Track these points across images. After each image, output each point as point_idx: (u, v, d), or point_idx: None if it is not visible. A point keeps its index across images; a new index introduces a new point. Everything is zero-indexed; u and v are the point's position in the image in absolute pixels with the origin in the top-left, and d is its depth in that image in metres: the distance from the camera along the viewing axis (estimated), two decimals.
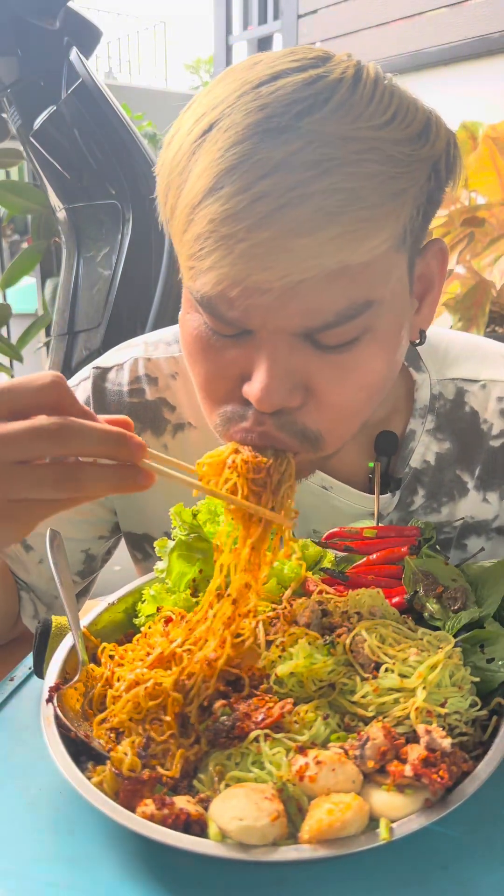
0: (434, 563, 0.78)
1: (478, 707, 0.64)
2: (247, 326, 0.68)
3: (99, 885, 0.55)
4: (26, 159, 3.21)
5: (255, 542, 0.70)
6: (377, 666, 0.65)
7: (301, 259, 0.63)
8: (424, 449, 0.94)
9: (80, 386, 1.01)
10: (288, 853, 0.52)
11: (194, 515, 0.81)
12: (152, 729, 0.62)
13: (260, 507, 0.69)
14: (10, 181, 4.05)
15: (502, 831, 0.60)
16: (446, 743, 0.57)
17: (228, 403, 0.73)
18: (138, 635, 0.75)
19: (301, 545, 0.82)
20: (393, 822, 0.54)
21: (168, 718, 0.62)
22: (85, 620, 0.77)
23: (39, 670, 0.75)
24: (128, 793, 0.57)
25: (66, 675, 0.69)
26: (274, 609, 0.74)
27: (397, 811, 0.55)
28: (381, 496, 0.92)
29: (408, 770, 0.56)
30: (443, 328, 1.02)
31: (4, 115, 3.09)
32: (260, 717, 0.61)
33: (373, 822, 0.55)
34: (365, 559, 0.81)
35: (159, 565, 0.82)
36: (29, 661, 0.82)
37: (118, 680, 0.67)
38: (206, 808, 0.56)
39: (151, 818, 0.54)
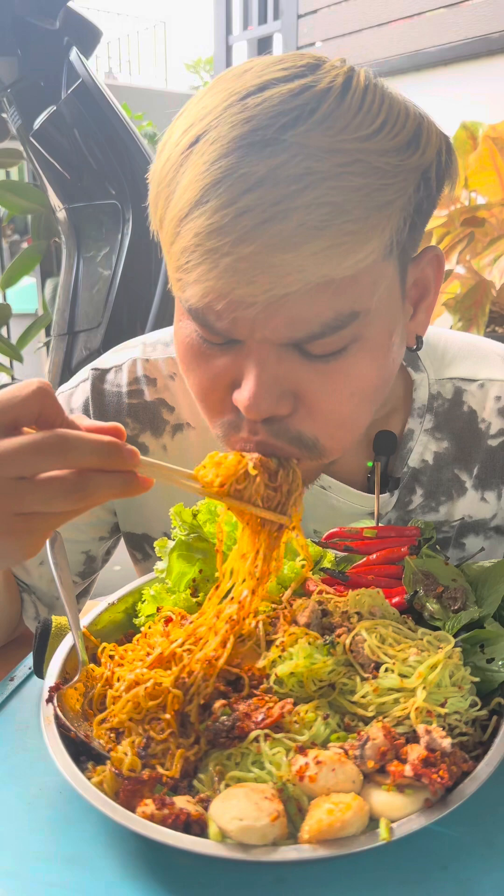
0: (434, 563, 0.78)
1: (478, 707, 0.64)
2: (234, 337, 0.69)
3: (99, 884, 0.55)
4: (26, 159, 3.22)
5: (266, 552, 0.70)
6: (377, 666, 0.65)
7: (285, 273, 0.63)
8: (423, 448, 0.94)
9: (79, 388, 1.01)
10: (288, 853, 0.52)
11: (194, 515, 0.81)
12: (152, 729, 0.62)
13: (260, 508, 0.69)
14: (10, 181, 4.05)
15: (502, 831, 0.60)
16: (446, 743, 0.57)
17: (224, 413, 0.74)
18: (138, 635, 0.75)
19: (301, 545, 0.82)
20: (393, 822, 0.54)
21: (168, 717, 0.62)
22: (85, 620, 0.77)
23: (39, 670, 0.75)
24: (128, 793, 0.57)
25: (66, 675, 0.69)
26: (274, 609, 0.74)
27: (397, 811, 0.55)
28: (379, 495, 0.92)
29: (408, 770, 0.56)
30: (441, 328, 1.02)
31: (4, 115, 3.09)
32: (260, 717, 0.61)
33: (373, 822, 0.55)
34: (365, 559, 0.81)
35: (159, 565, 0.82)
36: (29, 661, 0.82)
37: (118, 680, 0.67)
38: (206, 808, 0.56)
39: (151, 818, 0.54)
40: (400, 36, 3.93)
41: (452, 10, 3.71)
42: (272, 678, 0.65)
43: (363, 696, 0.63)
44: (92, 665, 0.70)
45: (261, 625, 0.71)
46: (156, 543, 0.83)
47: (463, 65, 3.72)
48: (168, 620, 0.74)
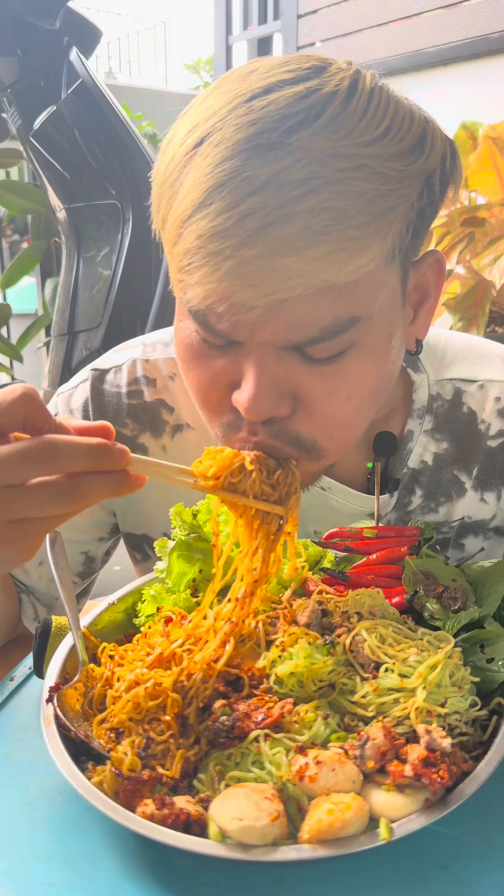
0: (434, 563, 0.78)
1: (478, 707, 0.64)
2: (234, 339, 0.69)
3: (99, 884, 0.55)
4: (26, 159, 3.22)
5: (265, 553, 0.70)
6: (377, 666, 0.65)
7: (286, 278, 0.63)
8: (422, 449, 0.94)
9: (79, 388, 1.01)
10: (288, 853, 0.52)
11: (194, 515, 0.81)
12: (152, 729, 0.62)
13: (254, 500, 0.69)
14: (10, 181, 4.05)
15: (502, 831, 0.60)
16: (446, 743, 0.57)
17: (224, 414, 0.74)
18: (138, 635, 0.75)
19: (301, 545, 0.82)
20: (393, 822, 0.54)
21: (168, 718, 0.62)
22: (85, 620, 0.77)
23: (39, 670, 0.75)
24: (128, 793, 0.57)
25: (66, 675, 0.69)
26: (274, 609, 0.74)
27: (397, 811, 0.55)
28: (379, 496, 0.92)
29: (408, 770, 0.56)
30: (440, 328, 1.02)
31: (4, 115, 3.10)
32: (260, 717, 0.61)
33: (373, 822, 0.55)
34: (365, 559, 0.81)
35: (159, 565, 0.82)
36: (29, 661, 0.82)
37: (118, 680, 0.67)
38: (206, 808, 0.56)
39: (151, 818, 0.54)
40: (400, 36, 3.94)
41: (452, 10, 3.71)
42: (272, 678, 0.65)
43: (363, 696, 0.63)
44: (92, 665, 0.70)
45: (261, 625, 0.71)
46: (156, 543, 0.83)
47: (463, 65, 3.72)
48: (168, 620, 0.74)
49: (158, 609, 0.77)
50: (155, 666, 0.67)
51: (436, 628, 0.71)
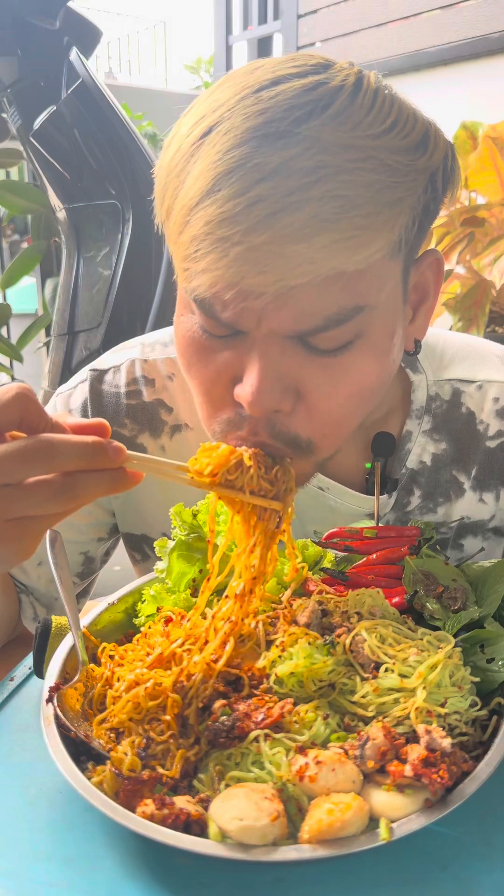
0: (434, 563, 0.78)
1: (478, 707, 0.64)
2: (239, 327, 0.69)
3: (99, 884, 0.55)
4: (26, 159, 3.22)
5: (263, 551, 0.70)
6: (377, 666, 0.65)
7: (295, 265, 0.63)
8: (421, 450, 0.94)
9: (78, 388, 1.01)
10: (288, 853, 0.52)
11: (194, 515, 0.81)
12: (152, 729, 0.62)
13: (255, 497, 0.69)
14: (10, 181, 4.05)
15: (502, 831, 0.60)
16: (446, 743, 0.57)
17: (225, 410, 0.74)
18: (138, 635, 0.75)
19: (301, 545, 0.82)
20: (393, 822, 0.54)
21: (168, 718, 0.62)
22: (85, 620, 0.77)
23: (39, 670, 0.75)
24: (128, 793, 0.57)
25: (66, 675, 0.69)
26: (274, 609, 0.74)
27: (397, 811, 0.55)
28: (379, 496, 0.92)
29: (408, 770, 0.56)
30: (439, 329, 1.02)
31: (4, 115, 3.09)
32: (260, 717, 0.61)
33: (373, 822, 0.55)
34: (365, 559, 0.81)
35: (159, 565, 0.82)
36: (29, 661, 0.82)
37: (118, 680, 0.67)
38: (206, 808, 0.56)
39: (151, 818, 0.54)
40: (399, 36, 3.94)
41: (452, 10, 3.71)
42: (272, 678, 0.65)
43: (363, 696, 0.63)
44: (92, 665, 0.70)
45: (261, 625, 0.71)
46: (156, 543, 0.83)
47: (463, 65, 3.72)
48: (168, 620, 0.74)
49: (158, 609, 0.77)
50: (155, 666, 0.67)
51: (436, 628, 0.71)
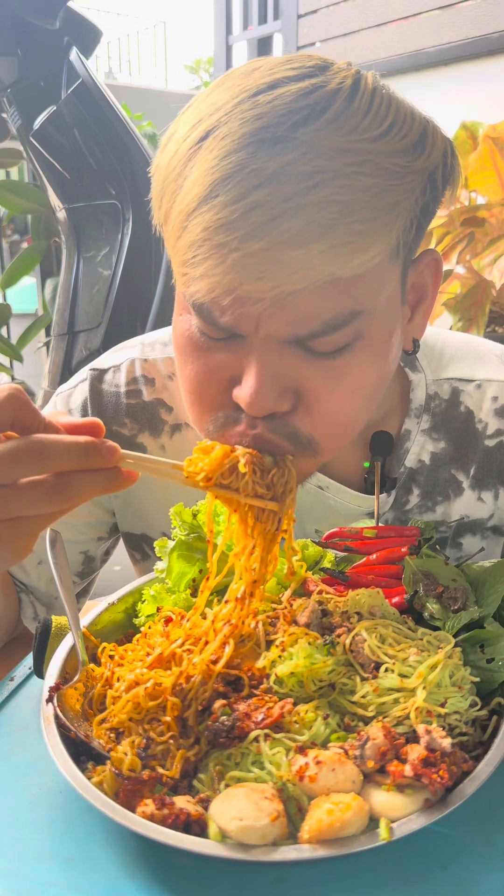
0: (434, 563, 0.78)
1: (478, 707, 0.64)
2: (237, 332, 0.69)
3: (98, 884, 0.55)
4: (26, 159, 3.22)
5: (263, 553, 0.70)
6: (377, 666, 0.65)
7: (293, 271, 0.63)
8: (419, 449, 0.94)
9: (78, 388, 1.01)
10: (288, 853, 0.52)
11: (194, 515, 0.81)
12: (152, 729, 0.62)
13: (251, 498, 0.68)
14: (10, 181, 4.05)
15: (502, 831, 0.60)
16: (446, 743, 0.57)
17: (220, 409, 0.74)
18: (138, 635, 0.75)
19: (301, 545, 0.82)
20: (393, 822, 0.54)
21: (168, 719, 0.62)
22: (85, 620, 0.77)
23: (39, 670, 0.75)
24: (128, 793, 0.57)
25: (66, 675, 0.69)
26: (274, 609, 0.74)
27: (397, 811, 0.55)
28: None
29: (408, 770, 0.56)
30: (438, 328, 1.02)
31: (4, 115, 3.09)
32: (260, 717, 0.61)
33: (373, 822, 0.55)
34: (365, 559, 0.81)
35: (159, 565, 0.82)
36: (29, 661, 0.82)
37: (118, 680, 0.67)
38: (206, 808, 0.56)
39: (151, 818, 0.54)
40: (400, 36, 3.94)
41: (452, 10, 3.71)
42: (272, 678, 0.65)
43: (363, 696, 0.63)
44: (92, 665, 0.70)
45: (261, 625, 0.71)
46: (156, 543, 0.83)
47: (463, 65, 3.72)
48: (168, 620, 0.74)
49: (158, 609, 0.77)
50: (155, 666, 0.67)
51: (436, 628, 0.71)
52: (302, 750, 0.59)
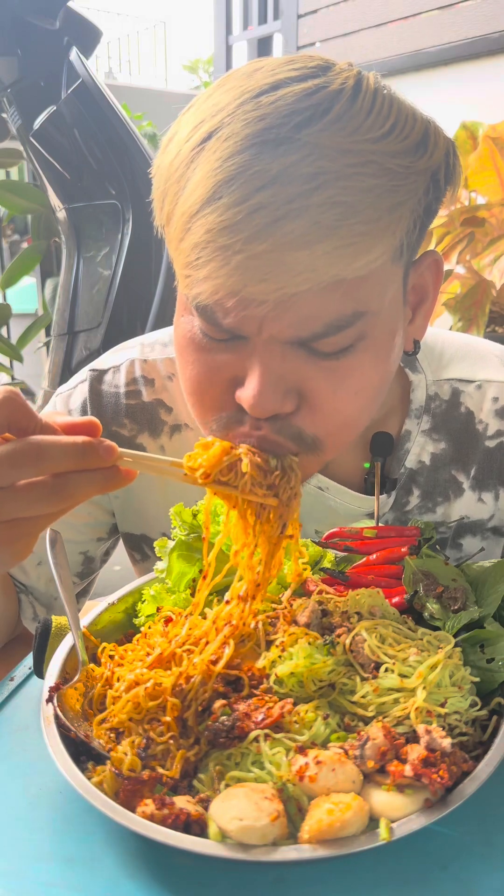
0: (434, 563, 0.78)
1: (478, 707, 0.64)
2: (241, 333, 0.69)
3: (98, 885, 0.55)
4: (26, 159, 3.22)
5: (267, 557, 0.70)
6: (377, 666, 0.65)
7: (296, 272, 0.63)
8: (420, 449, 0.94)
9: (77, 388, 1.01)
10: (288, 853, 0.52)
11: (194, 515, 0.81)
12: (152, 729, 0.62)
13: (248, 493, 0.68)
14: (10, 181, 4.05)
15: (502, 831, 0.60)
16: (446, 743, 0.57)
17: (222, 410, 0.74)
18: (138, 635, 0.75)
19: (301, 545, 0.82)
20: (393, 822, 0.54)
21: (168, 719, 0.62)
22: (85, 620, 0.77)
23: (39, 670, 0.75)
24: (128, 793, 0.57)
25: (66, 675, 0.69)
26: (274, 609, 0.74)
27: (397, 811, 0.55)
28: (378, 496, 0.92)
29: (408, 770, 0.56)
30: (438, 329, 1.02)
31: (4, 115, 3.09)
32: (260, 717, 0.61)
33: (373, 822, 0.55)
34: (365, 559, 0.81)
35: (159, 565, 0.82)
36: (29, 661, 0.82)
37: (118, 680, 0.67)
38: (206, 808, 0.56)
39: (151, 818, 0.54)
40: (400, 36, 3.94)
41: (452, 10, 3.71)
42: (272, 678, 0.65)
43: (363, 696, 0.63)
44: (92, 665, 0.70)
45: (261, 625, 0.71)
46: (156, 543, 0.83)
47: (463, 65, 3.72)
48: (168, 620, 0.74)
49: (158, 609, 0.77)
50: (155, 666, 0.67)
51: (436, 628, 0.71)
52: (302, 750, 0.59)
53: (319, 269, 0.63)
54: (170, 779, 0.59)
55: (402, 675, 0.64)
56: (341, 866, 0.56)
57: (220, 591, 0.76)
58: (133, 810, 0.55)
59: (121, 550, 1.11)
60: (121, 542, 1.09)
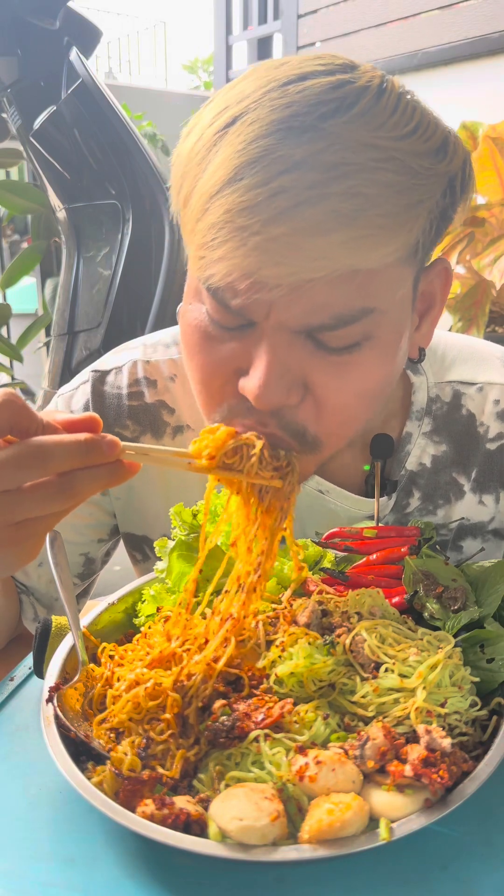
0: (434, 563, 0.78)
1: (478, 707, 0.64)
2: (250, 318, 0.69)
3: (98, 884, 0.55)
4: (26, 159, 3.21)
5: (265, 545, 0.70)
6: (377, 666, 0.65)
7: (312, 259, 0.63)
8: (420, 451, 0.94)
9: (79, 389, 1.01)
10: (288, 853, 0.52)
11: (194, 515, 0.81)
12: (152, 729, 0.62)
13: (253, 476, 0.68)
14: (10, 181, 4.05)
15: (502, 831, 0.60)
16: (446, 743, 0.57)
17: (225, 400, 0.74)
18: (138, 635, 0.75)
19: (301, 545, 0.82)
20: (393, 822, 0.54)
21: (168, 717, 0.62)
22: (85, 620, 0.77)
23: (39, 670, 0.75)
24: (128, 793, 0.57)
25: (66, 675, 0.69)
26: (274, 609, 0.74)
27: (397, 811, 0.55)
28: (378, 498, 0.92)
29: (408, 770, 0.56)
30: (440, 330, 1.02)
31: (4, 115, 3.09)
32: (260, 717, 0.61)
33: (373, 822, 0.55)
34: (365, 559, 0.81)
35: (159, 565, 0.82)
36: (29, 661, 0.82)
37: (118, 680, 0.67)
38: (206, 808, 0.56)
39: (151, 818, 0.54)
40: (400, 36, 3.94)
41: (452, 10, 3.71)
42: (272, 678, 0.65)
43: (363, 696, 0.63)
44: (92, 665, 0.70)
45: (261, 625, 0.71)
46: (156, 543, 0.83)
47: (463, 65, 3.72)
48: (167, 620, 0.74)
49: (158, 609, 0.77)
50: (155, 666, 0.67)
51: (436, 628, 0.71)
52: (302, 750, 0.59)
53: (335, 257, 0.63)
54: (170, 779, 0.59)
55: (402, 676, 0.64)
56: (341, 866, 0.56)
57: (219, 592, 0.76)
58: (133, 810, 0.55)
59: (121, 551, 1.11)
60: (121, 543, 1.09)
